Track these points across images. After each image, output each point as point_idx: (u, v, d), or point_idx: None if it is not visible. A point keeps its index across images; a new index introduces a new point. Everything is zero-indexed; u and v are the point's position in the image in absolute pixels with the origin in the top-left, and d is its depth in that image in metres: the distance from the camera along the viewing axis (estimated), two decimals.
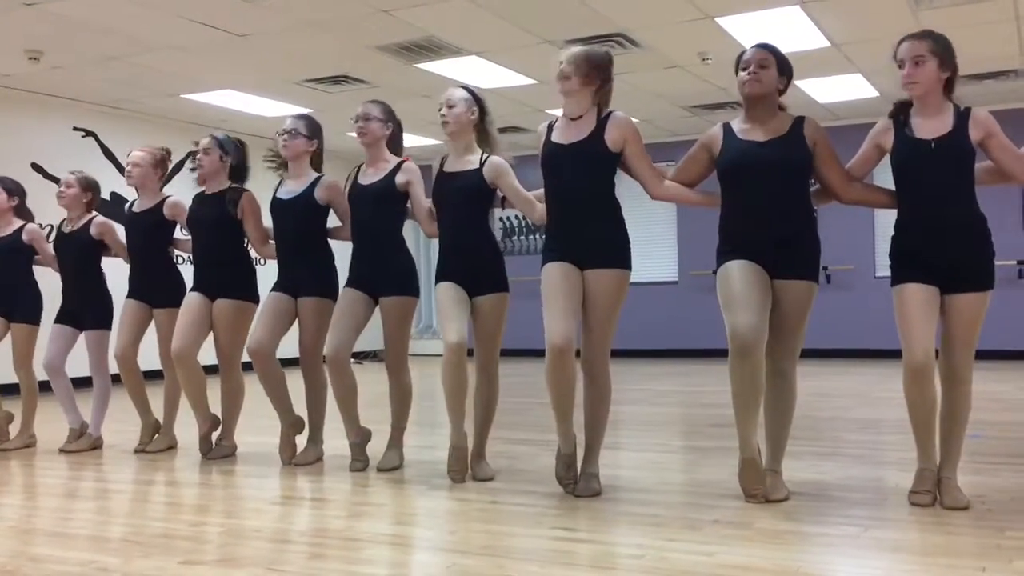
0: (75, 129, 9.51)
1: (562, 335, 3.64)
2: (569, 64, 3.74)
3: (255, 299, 4.96)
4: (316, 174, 4.69)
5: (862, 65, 8.45)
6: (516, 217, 12.91)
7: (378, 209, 4.40)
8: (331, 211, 4.72)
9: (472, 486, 4.05)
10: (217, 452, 4.95)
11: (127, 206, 5.38)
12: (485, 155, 4.18)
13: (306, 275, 4.65)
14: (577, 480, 3.80)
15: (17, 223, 5.51)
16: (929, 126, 3.41)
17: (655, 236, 12.09)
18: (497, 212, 12.92)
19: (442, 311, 4.12)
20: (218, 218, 4.86)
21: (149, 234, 5.19)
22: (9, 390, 5.82)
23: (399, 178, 4.37)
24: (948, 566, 2.82)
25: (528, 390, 3.75)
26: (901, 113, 3.49)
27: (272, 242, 4.80)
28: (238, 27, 7.08)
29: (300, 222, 4.64)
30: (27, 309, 5.43)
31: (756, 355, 3.43)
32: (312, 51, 7.77)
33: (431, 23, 7.07)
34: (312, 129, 4.69)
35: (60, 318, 5.37)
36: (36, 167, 8.71)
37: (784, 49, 3.68)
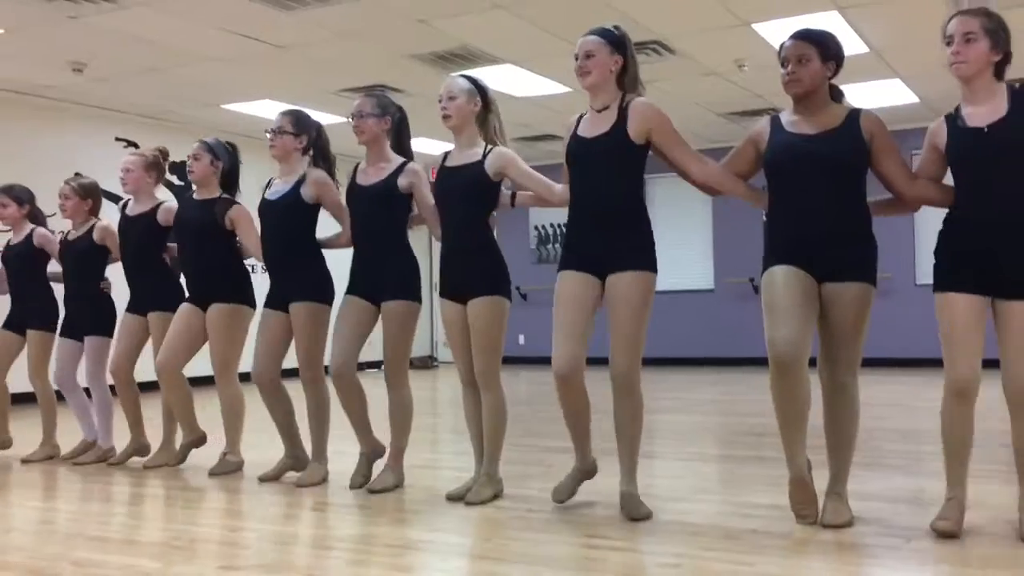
0: (117, 139, 9.67)
1: (565, 362, 3.50)
2: (585, 56, 3.62)
3: (250, 303, 4.74)
4: (304, 171, 4.39)
5: (902, 70, 8.34)
6: (551, 225, 12.87)
7: (379, 211, 4.12)
8: (322, 215, 4.45)
9: (508, 494, 4.02)
10: (221, 467, 4.69)
11: (120, 205, 5.13)
12: (489, 147, 3.91)
13: (296, 280, 4.36)
14: (573, 492, 3.78)
15: (30, 227, 5.33)
16: (981, 113, 3.11)
17: (690, 243, 11.92)
18: (531, 221, 12.92)
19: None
20: (203, 224, 4.67)
21: (142, 239, 4.96)
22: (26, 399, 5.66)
23: (402, 180, 4.10)
24: None
25: None
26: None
27: None
28: (276, 38, 7.16)
29: (286, 222, 4.38)
30: (41, 316, 5.24)
31: (796, 371, 3.18)
32: (349, 61, 7.84)
33: (466, 32, 7.11)
34: (299, 124, 4.42)
35: (65, 331, 5.21)
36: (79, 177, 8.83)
37: None
